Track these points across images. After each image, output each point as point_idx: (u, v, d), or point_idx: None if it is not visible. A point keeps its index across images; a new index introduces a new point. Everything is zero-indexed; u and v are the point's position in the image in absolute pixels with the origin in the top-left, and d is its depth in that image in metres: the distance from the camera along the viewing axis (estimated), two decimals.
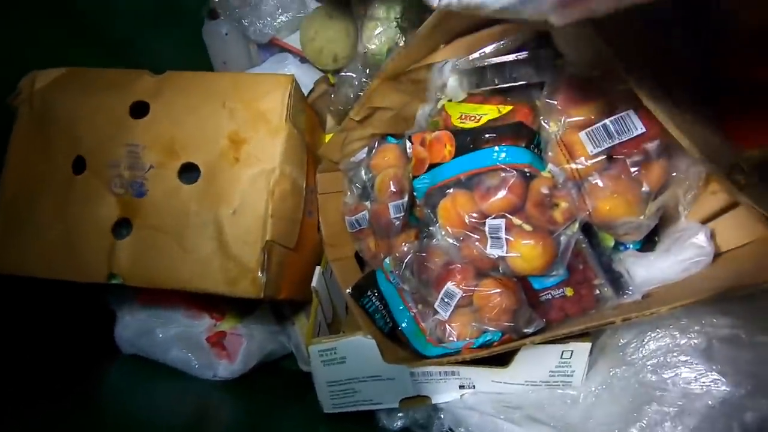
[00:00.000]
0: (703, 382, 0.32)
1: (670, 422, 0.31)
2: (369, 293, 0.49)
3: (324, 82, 0.68)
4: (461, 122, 0.44)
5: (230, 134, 0.47)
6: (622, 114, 0.33)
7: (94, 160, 0.48)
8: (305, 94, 0.64)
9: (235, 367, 0.56)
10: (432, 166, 0.45)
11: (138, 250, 0.46)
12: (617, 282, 0.40)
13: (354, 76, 0.55)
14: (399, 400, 0.46)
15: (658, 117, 0.27)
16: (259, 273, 0.45)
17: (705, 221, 0.37)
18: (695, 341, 0.34)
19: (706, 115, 0.31)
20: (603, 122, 0.34)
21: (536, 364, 0.42)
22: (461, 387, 0.46)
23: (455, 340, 0.41)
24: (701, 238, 0.36)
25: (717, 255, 0.36)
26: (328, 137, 0.60)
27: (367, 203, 0.53)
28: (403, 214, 0.49)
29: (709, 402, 0.31)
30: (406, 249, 0.48)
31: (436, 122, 0.47)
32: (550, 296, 0.41)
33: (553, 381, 0.43)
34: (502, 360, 0.42)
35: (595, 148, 0.35)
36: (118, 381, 0.56)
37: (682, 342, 0.34)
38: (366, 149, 0.53)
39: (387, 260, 0.49)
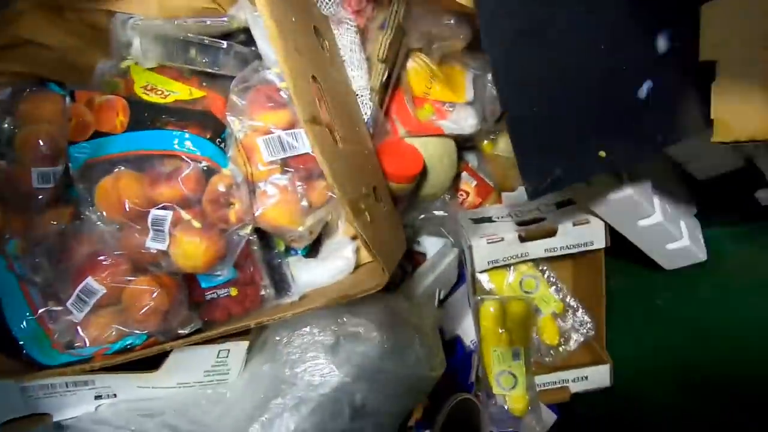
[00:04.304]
0: (323, 373, 0.37)
1: (288, 413, 0.35)
2: None
3: None
4: (145, 93, 0.39)
5: None
6: (296, 131, 0.36)
7: None
8: None
9: None
10: (97, 135, 0.37)
11: None
12: (279, 284, 0.42)
13: None
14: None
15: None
16: None
17: (355, 237, 0.45)
18: (327, 338, 0.39)
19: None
20: (278, 134, 0.35)
21: (190, 366, 0.40)
22: (98, 397, 0.39)
23: (86, 345, 0.34)
24: (348, 252, 0.43)
25: (358, 266, 0.44)
26: None
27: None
28: (53, 185, 0.39)
29: (325, 390, 0.37)
30: (50, 230, 0.38)
31: (116, 84, 0.40)
32: (215, 295, 0.41)
33: (207, 381, 0.42)
34: (152, 363, 0.38)
35: (270, 156, 0.36)
36: None
37: (318, 338, 0.40)
38: (8, 90, 0.40)
39: (13, 242, 0.38)
